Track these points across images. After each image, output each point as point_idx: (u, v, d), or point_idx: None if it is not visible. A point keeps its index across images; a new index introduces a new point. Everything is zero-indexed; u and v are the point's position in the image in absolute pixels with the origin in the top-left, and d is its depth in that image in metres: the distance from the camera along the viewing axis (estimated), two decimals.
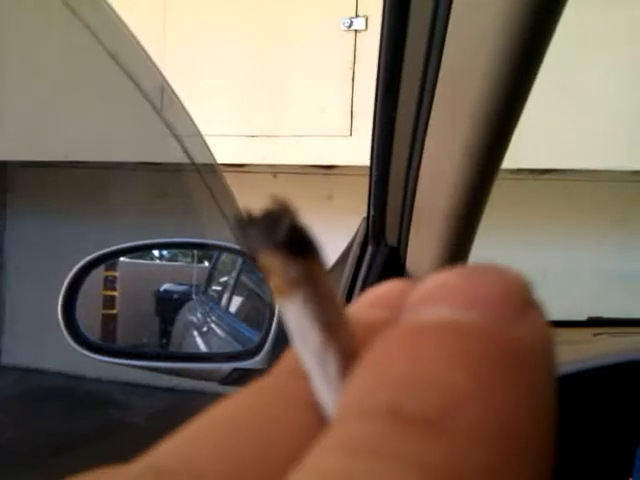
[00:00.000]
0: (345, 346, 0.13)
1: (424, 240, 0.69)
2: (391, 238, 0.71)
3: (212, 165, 0.75)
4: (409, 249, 0.70)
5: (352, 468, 0.10)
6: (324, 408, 0.13)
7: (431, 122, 0.55)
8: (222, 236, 0.81)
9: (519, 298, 0.12)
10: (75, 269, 0.78)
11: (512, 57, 0.48)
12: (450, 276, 0.12)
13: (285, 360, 0.14)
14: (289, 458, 0.11)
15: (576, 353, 0.85)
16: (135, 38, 0.62)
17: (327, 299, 0.12)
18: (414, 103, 0.54)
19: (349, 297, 0.72)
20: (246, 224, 0.12)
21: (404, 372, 0.11)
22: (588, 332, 1.04)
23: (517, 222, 3.18)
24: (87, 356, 0.75)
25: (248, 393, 0.13)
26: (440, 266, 0.70)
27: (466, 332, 0.11)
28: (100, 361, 0.77)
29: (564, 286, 3.11)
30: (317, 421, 0.12)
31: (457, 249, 0.69)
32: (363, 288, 0.72)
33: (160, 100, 3.24)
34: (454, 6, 0.48)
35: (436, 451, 0.10)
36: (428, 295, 0.12)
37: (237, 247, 0.83)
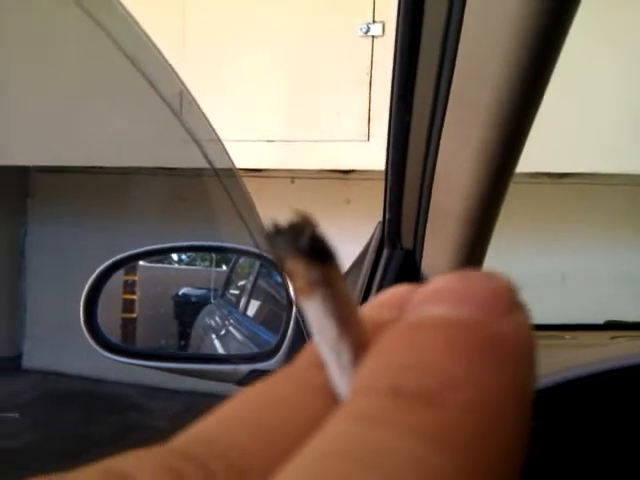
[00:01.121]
0: (357, 339, 0.15)
1: (439, 243, 0.69)
2: (407, 241, 0.71)
3: (231, 170, 0.76)
4: (424, 252, 0.71)
5: (362, 432, 0.12)
6: (338, 393, 0.15)
7: (445, 126, 0.56)
8: (241, 240, 0.82)
9: (506, 299, 0.14)
10: (97, 271, 0.80)
11: (525, 60, 0.49)
12: (447, 279, 0.14)
13: (305, 353, 0.16)
14: (310, 433, 0.13)
15: (593, 355, 0.85)
16: (153, 43, 0.63)
17: (343, 299, 0.14)
18: (429, 107, 0.55)
19: (365, 298, 0.73)
20: (273, 234, 0.14)
21: (405, 358, 0.13)
22: (606, 335, 1.04)
23: (535, 226, 3.17)
24: (108, 357, 0.77)
25: (272, 381, 0.15)
26: (455, 269, 0.71)
27: (459, 326, 0.13)
28: (120, 362, 0.79)
29: (582, 289, 3.09)
30: (332, 404, 0.14)
31: (472, 253, 0.70)
32: (379, 290, 0.73)
33: (179, 105, 3.26)
34: (467, 9, 0.49)
35: (431, 420, 0.12)
36: (428, 296, 0.14)
37: (255, 251, 0.84)
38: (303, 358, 0.16)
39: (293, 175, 3.58)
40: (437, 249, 0.70)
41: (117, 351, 0.80)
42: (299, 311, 0.75)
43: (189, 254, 2.14)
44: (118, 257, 0.81)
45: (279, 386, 0.15)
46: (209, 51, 3.16)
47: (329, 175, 3.44)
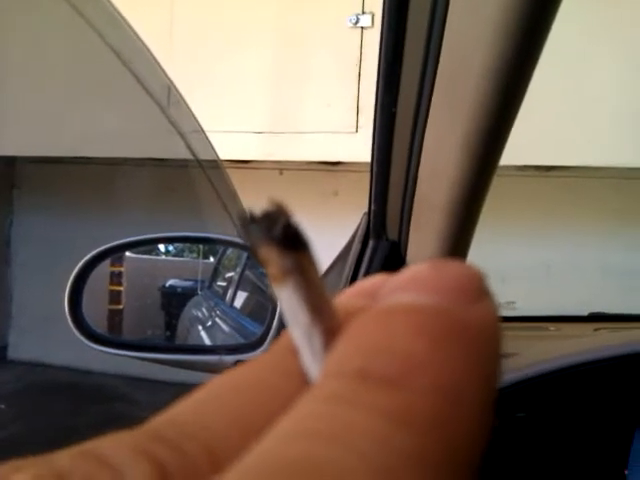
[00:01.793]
0: (329, 325, 0.15)
1: (424, 234, 0.70)
2: (392, 232, 0.72)
3: (215, 161, 0.76)
4: (409, 243, 0.71)
5: (330, 412, 0.12)
6: (311, 377, 0.15)
7: (430, 118, 0.56)
8: (225, 231, 0.83)
9: (474, 288, 0.14)
10: (82, 262, 0.80)
11: (509, 52, 0.49)
12: (420, 268, 0.15)
13: (281, 339, 0.17)
14: (281, 413, 0.13)
15: (575, 346, 0.85)
16: (138, 35, 0.63)
17: (315, 286, 0.15)
18: (414, 100, 0.55)
19: None
20: (248, 222, 0.14)
21: (374, 343, 0.13)
22: (589, 327, 1.05)
23: (522, 218, 3.19)
24: (93, 348, 0.77)
25: (248, 366, 0.16)
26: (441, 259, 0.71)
27: (427, 312, 0.13)
28: (105, 353, 0.79)
29: (568, 282, 3.12)
30: (305, 387, 0.14)
31: (457, 244, 0.70)
32: None
33: (167, 97, 3.25)
34: (452, 2, 0.49)
35: (397, 402, 0.12)
36: (400, 284, 0.15)
37: (241, 241, 0.84)
38: (279, 344, 0.16)
39: (281, 167, 3.57)
40: (422, 240, 0.70)
41: (102, 342, 0.80)
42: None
43: (177, 245, 2.13)
44: (103, 248, 0.81)
45: (254, 371, 0.16)
46: (197, 43, 3.14)
47: (317, 167, 3.44)
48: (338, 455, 0.11)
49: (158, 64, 0.67)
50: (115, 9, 0.61)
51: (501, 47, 0.49)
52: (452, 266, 0.14)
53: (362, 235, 0.73)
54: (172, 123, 0.70)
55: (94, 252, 0.81)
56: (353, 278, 0.74)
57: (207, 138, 0.72)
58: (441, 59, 0.53)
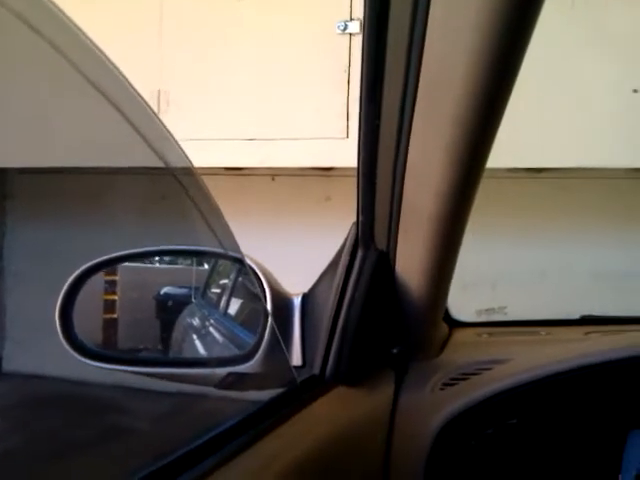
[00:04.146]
0: None
1: (412, 244, 0.70)
2: (380, 243, 0.72)
3: (189, 168, 0.76)
4: (398, 253, 0.71)
5: None
6: None
7: (413, 131, 0.57)
8: (203, 238, 0.83)
9: None
10: (72, 277, 0.80)
11: (489, 63, 0.49)
12: None
13: None
14: None
15: (566, 351, 0.86)
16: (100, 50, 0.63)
17: None
18: (396, 112, 0.55)
19: (342, 298, 0.74)
20: None
21: None
22: (580, 330, 1.05)
23: (513, 221, 3.19)
24: (85, 363, 0.77)
25: None
26: (428, 268, 0.72)
27: None
28: (97, 367, 0.79)
29: (560, 285, 3.12)
30: None
31: (444, 252, 0.71)
32: (354, 291, 0.73)
33: (157, 103, 3.23)
34: (431, 12, 0.49)
35: None
36: None
37: (233, 254, 0.84)
38: None
39: (274, 173, 3.58)
40: (411, 249, 0.71)
41: (94, 356, 0.80)
42: (274, 314, 0.76)
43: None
44: (91, 263, 0.81)
45: None
46: (187, 51, 3.14)
47: (309, 172, 3.44)
48: None
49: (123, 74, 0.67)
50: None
51: (480, 58, 0.49)
52: None
53: (351, 245, 0.73)
54: (135, 129, 0.70)
55: (84, 266, 0.81)
56: (343, 288, 0.74)
57: (177, 144, 0.72)
58: (422, 71, 0.53)
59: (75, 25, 0.57)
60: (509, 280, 3.15)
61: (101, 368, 0.79)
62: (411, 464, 0.75)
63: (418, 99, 0.55)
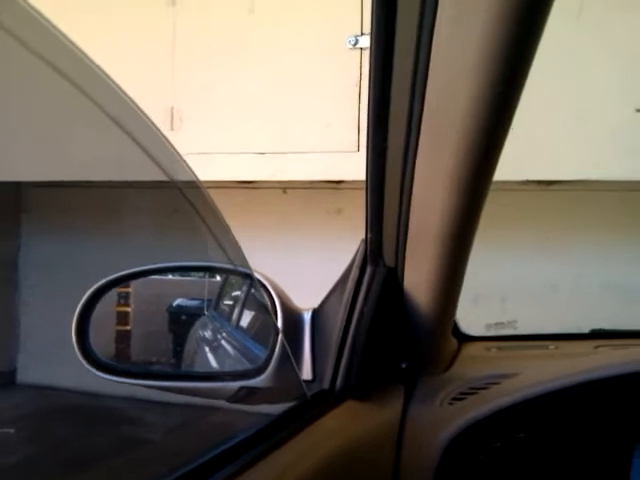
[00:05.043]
0: None
1: (420, 260, 0.71)
2: (389, 259, 0.73)
3: (195, 183, 0.78)
4: (406, 269, 0.73)
5: None
6: None
7: (419, 150, 0.58)
8: (212, 252, 0.84)
9: None
10: (88, 293, 0.82)
11: (493, 84, 0.51)
12: None
13: None
14: None
15: (574, 366, 0.87)
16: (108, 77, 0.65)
17: None
18: (403, 133, 0.57)
19: (350, 314, 0.75)
20: None
21: None
22: (590, 345, 1.05)
23: (523, 234, 3.19)
24: (101, 377, 0.79)
25: None
26: (436, 284, 0.73)
27: None
28: (112, 381, 0.81)
29: (572, 297, 3.11)
30: None
31: (452, 267, 0.72)
32: (363, 307, 0.75)
33: (170, 119, 3.25)
34: (436, 35, 0.51)
35: None
36: None
37: (244, 270, 0.86)
38: None
39: (285, 186, 3.60)
40: (418, 266, 0.72)
41: (109, 370, 0.82)
42: (285, 329, 0.77)
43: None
44: (108, 279, 0.83)
45: None
46: (199, 68, 3.18)
47: (320, 185, 3.46)
48: None
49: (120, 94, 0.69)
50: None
51: (484, 80, 0.51)
52: None
53: (360, 262, 0.75)
54: (141, 146, 0.72)
55: (100, 283, 0.83)
56: (352, 303, 0.76)
57: (183, 160, 0.74)
58: (427, 92, 0.55)
59: (80, 50, 0.60)
60: (519, 293, 3.15)
61: (116, 382, 0.81)
62: (420, 477, 0.76)
63: (424, 120, 0.57)
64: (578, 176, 2.79)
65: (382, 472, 0.78)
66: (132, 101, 0.71)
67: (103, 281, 0.84)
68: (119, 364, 0.90)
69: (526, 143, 2.56)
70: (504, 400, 0.77)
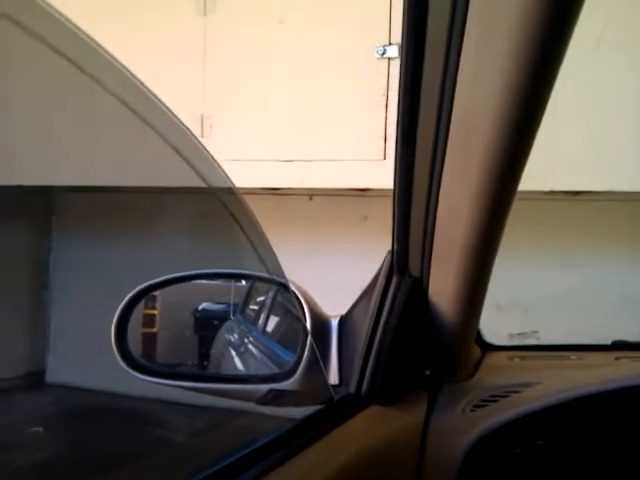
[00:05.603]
0: None
1: (445, 271, 0.74)
2: (414, 269, 0.76)
3: (230, 188, 0.81)
4: (431, 279, 0.75)
5: None
6: None
7: (446, 161, 0.61)
8: (247, 260, 0.87)
9: None
10: (127, 297, 0.86)
11: (518, 97, 0.53)
12: None
13: None
14: None
15: (594, 376, 0.89)
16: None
17: None
18: (431, 144, 0.60)
19: (377, 323, 0.78)
20: None
21: None
22: (611, 356, 1.07)
23: (547, 245, 3.19)
24: (138, 378, 0.83)
25: None
26: (460, 293, 0.76)
27: None
28: (148, 382, 0.84)
29: (595, 308, 3.09)
30: None
31: (476, 278, 0.75)
32: (389, 315, 0.77)
33: (201, 126, 3.30)
34: (464, 51, 0.54)
35: None
36: None
37: (280, 280, 0.89)
38: None
39: (311, 192, 3.64)
40: (443, 276, 0.75)
41: (146, 372, 0.86)
42: (313, 335, 0.80)
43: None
44: (150, 282, 0.88)
45: None
46: (230, 74, 3.24)
47: (347, 192, 3.49)
48: None
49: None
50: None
51: (509, 93, 0.53)
52: None
53: (386, 272, 0.78)
54: (175, 149, 0.75)
55: (141, 286, 0.87)
56: (379, 311, 0.78)
57: (218, 164, 0.77)
58: (455, 103, 0.58)
59: (113, 57, 0.63)
60: (542, 303, 3.14)
61: (153, 382, 0.85)
62: None
63: (451, 131, 0.60)
64: (606, 187, 2.78)
65: (405, 475, 0.80)
66: (166, 107, 0.75)
67: (143, 286, 0.88)
68: (155, 366, 0.94)
69: (552, 153, 2.56)
70: (525, 408, 0.79)
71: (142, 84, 0.72)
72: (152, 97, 0.75)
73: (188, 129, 0.88)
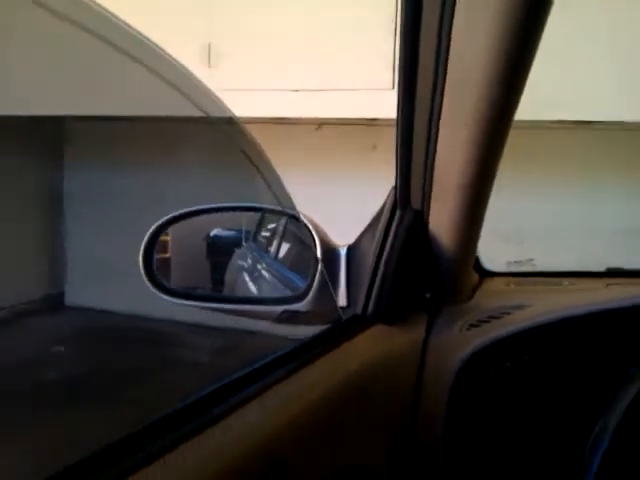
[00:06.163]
0: None
1: (445, 204, 0.81)
2: (416, 203, 0.83)
3: (231, 118, 0.83)
4: (432, 212, 0.82)
5: None
6: None
7: (444, 108, 0.67)
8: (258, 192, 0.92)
9: None
10: (153, 227, 0.94)
11: (515, 29, 0.58)
12: None
13: None
14: None
15: (582, 300, 0.97)
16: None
17: None
18: (431, 78, 0.66)
19: (381, 253, 0.85)
20: None
21: None
22: (602, 282, 1.14)
23: (551, 173, 3.21)
24: (165, 300, 0.91)
25: None
26: (459, 223, 0.83)
27: None
28: (174, 304, 0.93)
29: (592, 237, 3.15)
30: None
31: (474, 209, 0.82)
32: (394, 243, 0.85)
33: (208, 56, 3.30)
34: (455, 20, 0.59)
35: None
36: None
37: (291, 212, 0.96)
38: None
39: (319, 122, 3.64)
40: (443, 209, 0.82)
41: (172, 294, 0.94)
42: (323, 261, 0.88)
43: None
44: (175, 214, 0.95)
45: None
46: (237, 2, 3.21)
47: (355, 121, 3.50)
48: None
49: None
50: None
51: (502, 39, 0.58)
52: None
53: (390, 206, 0.85)
54: (164, 78, 0.77)
55: (167, 217, 0.95)
56: (384, 240, 0.86)
57: (216, 96, 0.79)
58: (453, 34, 0.62)
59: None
60: (538, 232, 3.19)
61: (180, 305, 0.93)
62: (438, 392, 0.87)
63: (446, 91, 0.65)
64: (614, 117, 2.79)
65: (404, 388, 0.89)
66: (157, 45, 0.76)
67: (168, 217, 0.96)
68: (179, 289, 1.02)
69: (561, 82, 2.57)
70: (515, 327, 0.88)
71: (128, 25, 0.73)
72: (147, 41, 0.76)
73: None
